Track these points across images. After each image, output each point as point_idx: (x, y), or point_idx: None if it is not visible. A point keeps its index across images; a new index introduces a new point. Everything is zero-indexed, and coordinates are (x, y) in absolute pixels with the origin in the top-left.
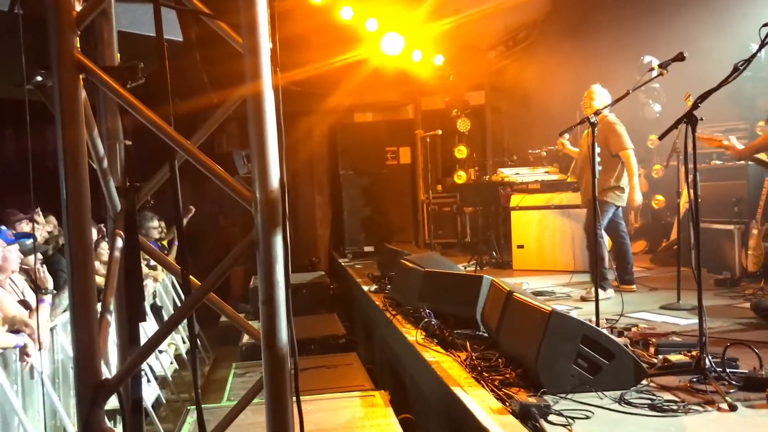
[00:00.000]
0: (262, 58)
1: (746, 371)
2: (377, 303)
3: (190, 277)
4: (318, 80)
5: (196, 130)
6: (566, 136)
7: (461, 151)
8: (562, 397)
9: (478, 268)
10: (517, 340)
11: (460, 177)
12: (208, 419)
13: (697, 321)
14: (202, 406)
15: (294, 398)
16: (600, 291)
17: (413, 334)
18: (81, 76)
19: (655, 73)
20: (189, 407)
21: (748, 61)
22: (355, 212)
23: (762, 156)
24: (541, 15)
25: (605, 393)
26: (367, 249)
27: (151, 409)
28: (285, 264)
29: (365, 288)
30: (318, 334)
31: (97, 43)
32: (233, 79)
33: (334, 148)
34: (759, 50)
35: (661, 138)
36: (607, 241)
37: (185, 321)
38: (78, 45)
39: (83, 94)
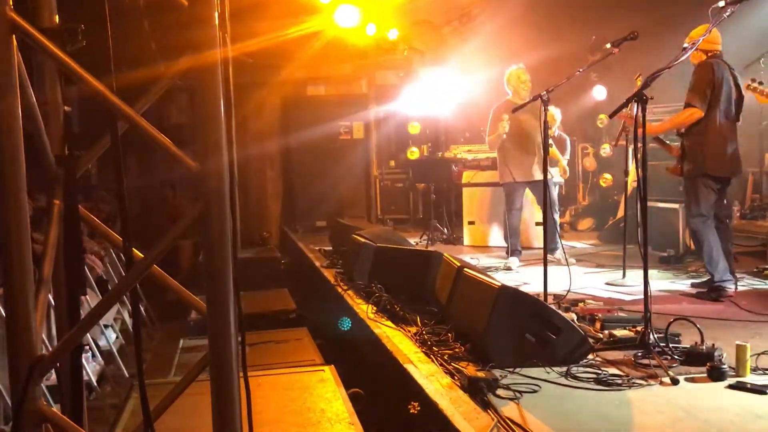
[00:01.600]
0: (209, 27)
1: (688, 346)
2: (329, 278)
3: (133, 250)
4: (271, 52)
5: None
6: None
7: (414, 127)
8: (510, 371)
9: (430, 244)
10: (467, 315)
11: (413, 153)
12: (153, 395)
13: (642, 297)
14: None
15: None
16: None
17: (364, 309)
18: (14, 37)
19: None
20: (134, 382)
21: (695, 42)
22: (307, 187)
23: (667, 139)
24: None
25: (552, 367)
26: (319, 224)
27: (95, 384)
28: (232, 237)
29: (317, 263)
30: (268, 309)
31: (33, 2)
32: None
33: (287, 121)
34: (708, 32)
35: (611, 116)
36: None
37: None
38: (11, 3)
39: (18, 56)
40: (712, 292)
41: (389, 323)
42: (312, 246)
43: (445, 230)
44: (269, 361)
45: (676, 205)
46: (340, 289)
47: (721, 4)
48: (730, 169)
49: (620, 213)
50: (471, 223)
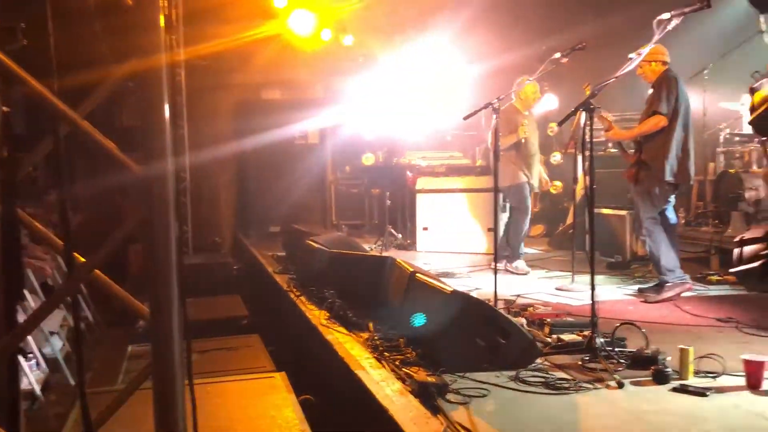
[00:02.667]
0: (154, 31)
1: (633, 350)
2: (282, 284)
3: (75, 254)
4: (226, 56)
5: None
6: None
7: (370, 133)
8: (460, 376)
9: (384, 249)
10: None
11: (368, 159)
12: (98, 404)
13: (588, 302)
14: (93, 390)
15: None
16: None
17: (317, 315)
18: None
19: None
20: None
21: (639, 53)
22: (262, 192)
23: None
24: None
25: (502, 371)
26: (272, 229)
27: (39, 393)
28: (178, 243)
29: (269, 269)
30: (219, 315)
31: None
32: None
33: (241, 125)
34: (653, 43)
35: (560, 125)
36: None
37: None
38: None
39: None
40: (675, 287)
41: (342, 329)
42: (265, 252)
43: (400, 236)
44: (220, 368)
45: (623, 212)
46: (292, 295)
47: (666, 15)
48: (686, 177)
49: (569, 220)
50: (425, 229)
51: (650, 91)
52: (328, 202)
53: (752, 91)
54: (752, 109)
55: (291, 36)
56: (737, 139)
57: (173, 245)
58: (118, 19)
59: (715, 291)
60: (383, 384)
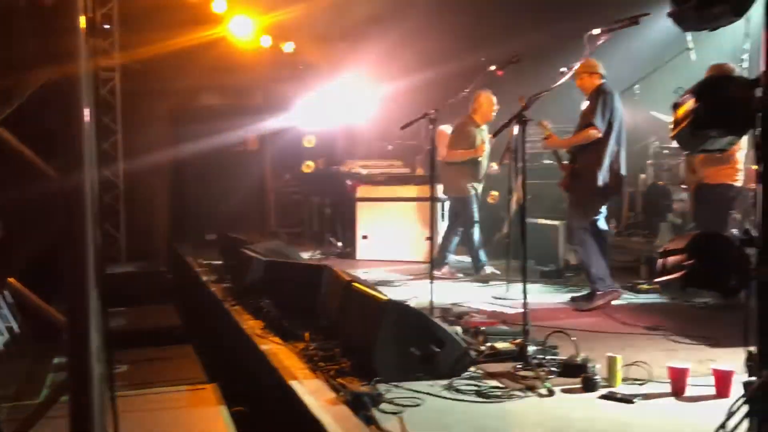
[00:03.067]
0: (72, 35)
1: (564, 358)
2: (216, 293)
3: None
4: (164, 60)
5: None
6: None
7: (310, 141)
8: (394, 386)
9: (323, 258)
10: (355, 330)
11: (309, 167)
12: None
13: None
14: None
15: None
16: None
17: (252, 325)
18: None
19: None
20: (4, 405)
21: (571, 67)
22: (199, 199)
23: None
24: (393, 9)
25: (436, 380)
26: (209, 237)
27: None
28: (96, 251)
29: (204, 278)
30: (152, 325)
31: None
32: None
33: (178, 131)
34: (585, 57)
35: (494, 135)
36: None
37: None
38: None
39: None
40: (605, 296)
41: (277, 339)
42: (201, 260)
43: (340, 244)
44: (151, 379)
45: (557, 222)
46: (228, 305)
47: (597, 31)
48: (617, 188)
49: (505, 229)
50: (365, 237)
51: (585, 103)
52: (267, 210)
53: (676, 106)
54: (676, 124)
55: (231, 42)
56: (666, 152)
57: (90, 254)
58: (42, 21)
59: (644, 299)
60: (317, 395)
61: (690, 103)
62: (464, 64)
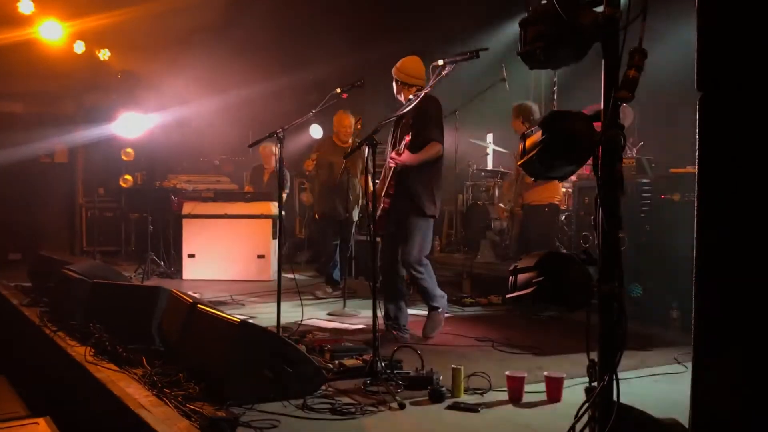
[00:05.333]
0: None
1: (410, 371)
2: (32, 318)
3: None
4: None
5: None
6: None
7: (128, 154)
8: (248, 408)
9: (145, 278)
10: (203, 353)
11: (127, 181)
12: None
13: (362, 326)
14: None
15: None
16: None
17: (81, 352)
18: None
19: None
20: None
21: (417, 95)
22: None
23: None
24: (218, 21)
25: (290, 401)
26: (12, 257)
27: None
28: None
29: (14, 301)
30: None
31: None
32: None
33: None
34: (429, 87)
35: (345, 158)
36: None
37: None
38: None
39: None
40: (444, 312)
41: (112, 366)
42: (6, 282)
43: (162, 263)
44: None
45: None
46: (48, 330)
47: (440, 62)
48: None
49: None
50: (191, 256)
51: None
52: (77, 227)
53: (524, 137)
54: (524, 153)
55: (39, 46)
56: (483, 174)
57: None
58: None
59: (470, 312)
60: (169, 422)
61: (537, 135)
62: (292, 80)
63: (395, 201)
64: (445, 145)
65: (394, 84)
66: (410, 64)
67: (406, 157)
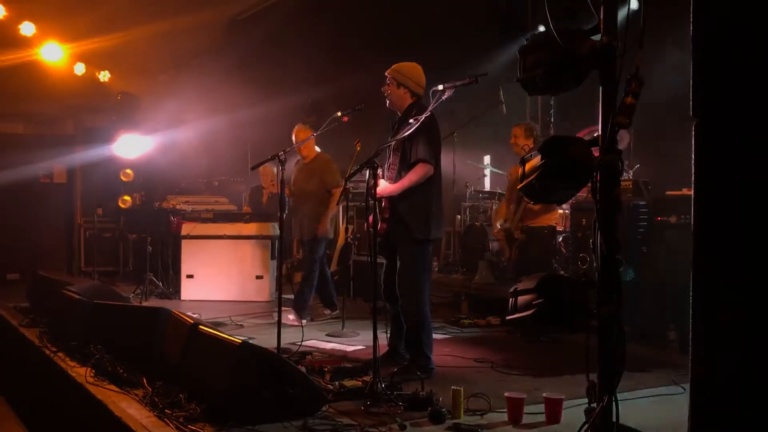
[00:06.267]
0: None
1: (410, 393)
2: (32, 339)
3: None
4: None
5: None
6: None
7: (128, 175)
8: (249, 429)
9: (144, 299)
10: (204, 373)
11: (126, 202)
12: None
13: (361, 347)
14: None
15: None
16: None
17: (81, 373)
18: None
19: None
20: None
21: (417, 119)
22: None
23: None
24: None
25: (291, 422)
26: (10, 277)
27: None
28: None
29: (13, 322)
30: None
31: None
32: None
33: None
34: (429, 111)
35: (347, 180)
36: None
37: None
38: None
39: None
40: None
41: (113, 386)
42: (4, 302)
43: (161, 284)
44: None
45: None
46: (48, 351)
47: (440, 87)
48: (443, 229)
49: (333, 266)
50: (190, 276)
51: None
52: (76, 247)
53: (523, 162)
54: (524, 177)
55: (40, 68)
56: (481, 195)
57: None
58: None
59: (468, 333)
60: None
61: (536, 160)
62: (290, 102)
63: (390, 225)
64: (442, 166)
65: (386, 87)
66: (409, 67)
67: (382, 189)
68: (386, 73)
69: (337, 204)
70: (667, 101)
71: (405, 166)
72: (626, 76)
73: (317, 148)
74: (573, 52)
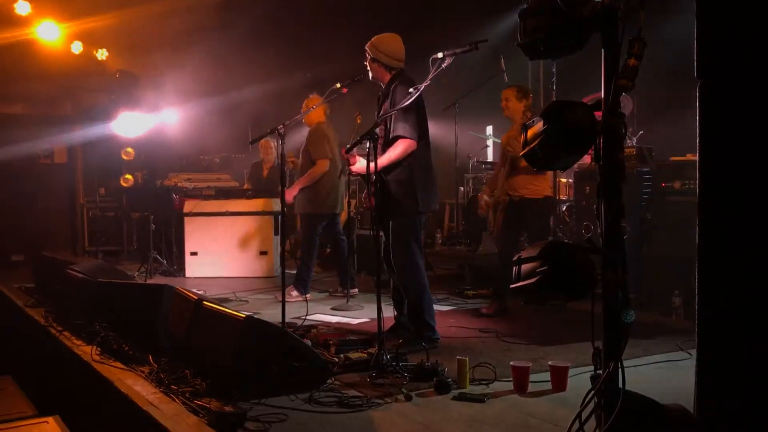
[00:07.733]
0: None
1: (415, 364)
2: (37, 318)
3: None
4: None
5: None
6: None
7: (129, 153)
8: (255, 403)
9: (148, 277)
10: (209, 349)
11: (127, 180)
12: None
13: (366, 320)
14: None
15: None
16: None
17: (87, 351)
18: None
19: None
20: None
21: (417, 88)
22: (1, 217)
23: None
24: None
25: (297, 394)
26: (15, 258)
27: None
28: None
29: (19, 302)
30: None
31: None
32: None
33: None
34: (428, 80)
35: (347, 152)
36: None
37: None
38: None
39: None
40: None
41: (118, 364)
42: (9, 283)
43: (165, 262)
44: None
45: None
46: (53, 330)
47: (440, 54)
48: (436, 202)
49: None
50: (194, 254)
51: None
52: (79, 227)
53: (526, 128)
54: (525, 144)
55: (37, 47)
56: (483, 166)
57: None
58: None
59: (472, 304)
60: (177, 419)
61: (539, 126)
62: (292, 79)
63: (378, 200)
64: (443, 138)
65: (367, 63)
66: (385, 40)
67: (360, 166)
68: (367, 50)
69: (338, 177)
70: (671, 66)
71: (388, 141)
72: (629, 38)
73: (322, 120)
74: (574, 15)
